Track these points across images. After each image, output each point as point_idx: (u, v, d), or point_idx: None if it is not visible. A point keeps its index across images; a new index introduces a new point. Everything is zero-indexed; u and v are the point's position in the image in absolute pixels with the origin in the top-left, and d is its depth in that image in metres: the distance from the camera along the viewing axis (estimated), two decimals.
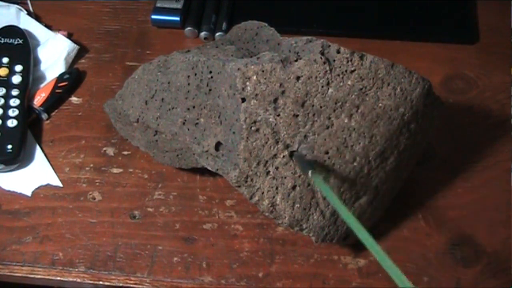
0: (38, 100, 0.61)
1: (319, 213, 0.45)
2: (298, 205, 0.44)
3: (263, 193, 0.44)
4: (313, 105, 0.43)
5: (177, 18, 0.67)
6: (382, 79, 0.43)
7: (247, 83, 0.42)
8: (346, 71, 0.43)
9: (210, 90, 0.45)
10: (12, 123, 0.58)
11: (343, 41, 0.67)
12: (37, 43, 0.66)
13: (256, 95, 0.42)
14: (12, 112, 0.59)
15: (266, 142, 0.43)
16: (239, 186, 0.44)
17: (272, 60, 0.42)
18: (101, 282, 0.51)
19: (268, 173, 0.44)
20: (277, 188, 0.44)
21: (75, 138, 0.60)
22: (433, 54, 0.66)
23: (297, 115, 0.43)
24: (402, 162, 0.48)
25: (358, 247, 0.52)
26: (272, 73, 0.42)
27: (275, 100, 0.42)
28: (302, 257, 0.52)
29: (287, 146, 0.43)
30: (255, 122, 0.42)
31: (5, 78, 0.60)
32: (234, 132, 0.43)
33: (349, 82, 0.43)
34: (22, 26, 0.66)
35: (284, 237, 0.53)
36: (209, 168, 0.46)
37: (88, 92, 0.63)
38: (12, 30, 0.64)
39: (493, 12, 0.69)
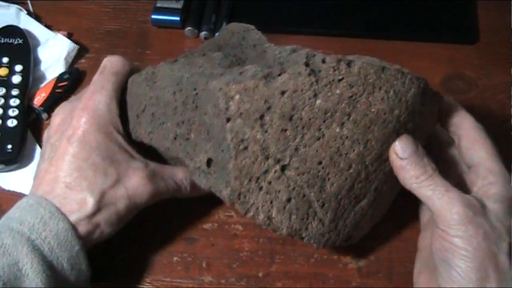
0: (38, 100, 0.61)
1: (318, 221, 0.44)
2: (295, 216, 0.43)
3: (257, 208, 0.43)
4: (301, 118, 0.41)
5: (177, 18, 0.67)
6: (372, 84, 0.42)
7: (230, 103, 0.41)
8: (333, 80, 0.41)
9: (196, 107, 0.44)
10: (12, 123, 0.58)
11: (343, 41, 0.67)
12: (37, 43, 0.66)
13: (241, 114, 0.41)
14: (12, 112, 0.59)
15: (256, 159, 0.42)
16: (232, 204, 0.42)
17: (254, 77, 0.41)
18: (101, 282, 0.51)
19: (261, 188, 0.42)
20: (271, 202, 0.43)
21: None
22: (433, 54, 0.66)
23: (286, 130, 0.41)
24: None
25: (358, 247, 0.52)
26: (255, 91, 0.41)
27: (261, 117, 0.41)
28: (302, 257, 0.52)
29: (278, 161, 0.42)
30: (242, 140, 0.41)
31: (5, 78, 0.61)
32: (223, 150, 0.42)
33: (338, 91, 0.41)
34: (22, 26, 0.66)
35: (284, 237, 0.53)
36: (202, 186, 0.45)
37: None
38: (12, 30, 0.64)
39: (493, 12, 0.69)
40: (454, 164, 0.49)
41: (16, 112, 0.59)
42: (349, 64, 0.41)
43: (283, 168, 0.42)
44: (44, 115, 0.61)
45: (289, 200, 0.43)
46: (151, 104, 0.48)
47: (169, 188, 0.48)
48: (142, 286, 0.51)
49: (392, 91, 0.42)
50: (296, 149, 0.42)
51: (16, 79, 0.61)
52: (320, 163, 0.43)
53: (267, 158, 0.42)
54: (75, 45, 0.65)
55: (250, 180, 0.42)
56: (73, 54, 0.65)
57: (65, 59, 0.64)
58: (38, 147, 0.59)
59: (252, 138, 0.41)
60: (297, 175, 0.43)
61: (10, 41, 0.63)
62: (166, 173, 0.49)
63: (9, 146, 0.56)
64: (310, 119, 0.41)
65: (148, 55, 0.66)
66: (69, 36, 0.67)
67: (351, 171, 0.43)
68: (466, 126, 0.47)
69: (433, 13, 0.69)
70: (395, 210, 0.52)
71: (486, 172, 0.44)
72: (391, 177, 0.46)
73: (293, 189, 0.43)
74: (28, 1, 0.70)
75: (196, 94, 0.44)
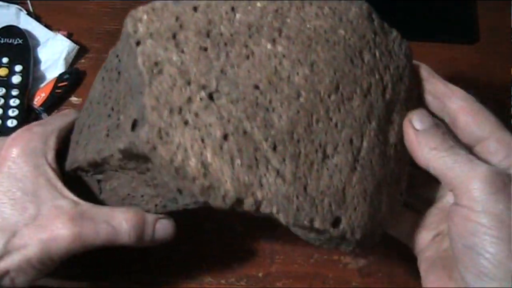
0: (38, 100, 0.61)
1: (275, 173, 0.35)
2: (239, 162, 0.34)
3: (186, 150, 0.33)
4: (221, 34, 0.37)
5: None
6: None
7: (139, 25, 0.36)
8: None
9: (119, 72, 0.40)
10: (12, 123, 0.58)
11: None
12: (37, 43, 0.66)
13: (151, 34, 0.36)
14: (12, 112, 0.59)
15: (175, 84, 0.35)
16: (154, 148, 0.33)
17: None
18: (101, 282, 0.51)
19: (186, 122, 0.34)
20: (203, 141, 0.34)
21: None
22: (433, 54, 0.66)
23: (205, 48, 0.36)
24: (380, 112, 0.39)
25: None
26: (164, 9, 0.37)
27: (174, 36, 0.36)
28: (302, 257, 0.52)
29: (203, 87, 0.35)
30: (156, 63, 0.35)
31: (5, 78, 0.61)
32: (141, 92, 0.35)
33: (259, 4, 0.38)
34: (22, 26, 0.66)
35: (284, 237, 0.53)
36: (121, 147, 0.36)
37: (88, 92, 0.63)
38: (12, 30, 0.64)
39: (493, 12, 0.69)
40: None
41: (16, 112, 0.59)
42: None
43: (211, 96, 0.35)
44: (44, 115, 0.61)
45: (225, 137, 0.34)
46: (86, 117, 0.44)
47: (100, 232, 0.40)
48: (142, 286, 0.51)
49: (327, 7, 0.39)
50: (223, 71, 0.36)
51: (16, 79, 0.61)
52: (256, 87, 0.36)
53: (188, 83, 0.35)
54: (75, 45, 0.65)
55: (171, 112, 0.34)
56: (73, 54, 0.65)
57: (65, 59, 0.64)
58: None
59: (167, 59, 0.36)
60: (230, 103, 0.35)
61: (10, 41, 0.63)
62: (100, 214, 0.40)
63: None
64: (232, 35, 0.37)
65: None
66: (69, 36, 0.67)
67: (301, 100, 0.36)
68: (458, 99, 0.41)
69: (433, 13, 0.69)
70: None
71: (496, 146, 0.38)
72: (370, 131, 0.38)
73: (228, 121, 0.35)
74: (28, 1, 0.70)
75: (119, 60, 0.40)
